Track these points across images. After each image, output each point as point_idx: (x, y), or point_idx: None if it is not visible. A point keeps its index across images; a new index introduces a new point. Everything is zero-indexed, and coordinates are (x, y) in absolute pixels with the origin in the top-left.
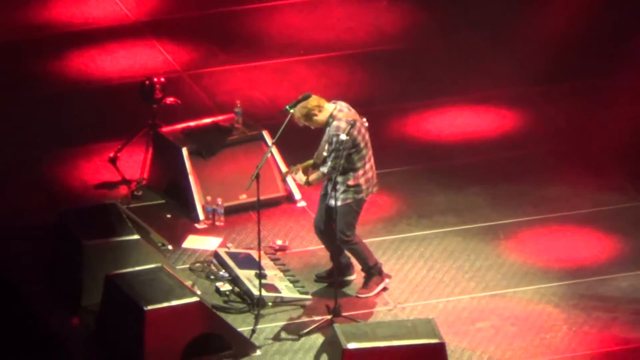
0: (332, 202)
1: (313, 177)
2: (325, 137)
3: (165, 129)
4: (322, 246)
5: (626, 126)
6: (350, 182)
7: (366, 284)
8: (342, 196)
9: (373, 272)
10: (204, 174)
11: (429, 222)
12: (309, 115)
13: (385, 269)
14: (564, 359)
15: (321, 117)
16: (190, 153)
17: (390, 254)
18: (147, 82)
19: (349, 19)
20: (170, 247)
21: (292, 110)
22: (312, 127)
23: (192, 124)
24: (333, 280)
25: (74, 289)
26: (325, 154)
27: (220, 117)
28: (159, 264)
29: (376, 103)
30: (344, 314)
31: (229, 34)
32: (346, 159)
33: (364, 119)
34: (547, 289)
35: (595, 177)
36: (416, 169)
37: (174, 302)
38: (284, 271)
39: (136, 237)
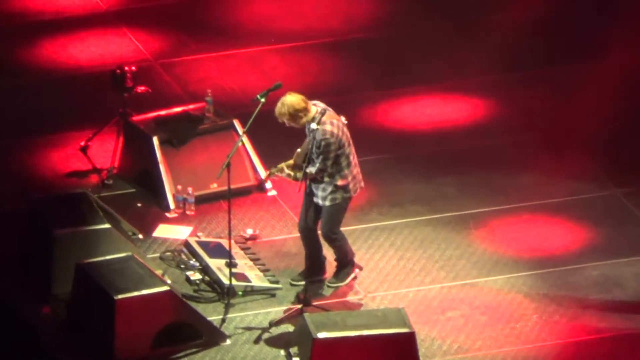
0: (321, 202)
1: (300, 174)
2: (307, 140)
3: (136, 118)
4: (293, 235)
5: (599, 113)
6: (339, 183)
7: (337, 274)
8: (330, 197)
9: (346, 264)
10: (175, 163)
11: (400, 211)
12: (295, 117)
13: (356, 259)
14: (534, 348)
15: (306, 119)
16: (161, 142)
17: (361, 243)
18: (118, 70)
19: (320, 7)
20: (140, 236)
21: (262, 99)
22: (295, 126)
23: (163, 112)
24: (310, 281)
25: (45, 277)
26: (314, 156)
27: (191, 106)
28: (129, 253)
29: (347, 92)
30: (314, 303)
31: (200, 23)
32: (334, 160)
33: (343, 118)
34: (518, 279)
35: (567, 166)
36: (387, 158)
37: (144, 291)
38: (254, 260)
39: (107, 226)
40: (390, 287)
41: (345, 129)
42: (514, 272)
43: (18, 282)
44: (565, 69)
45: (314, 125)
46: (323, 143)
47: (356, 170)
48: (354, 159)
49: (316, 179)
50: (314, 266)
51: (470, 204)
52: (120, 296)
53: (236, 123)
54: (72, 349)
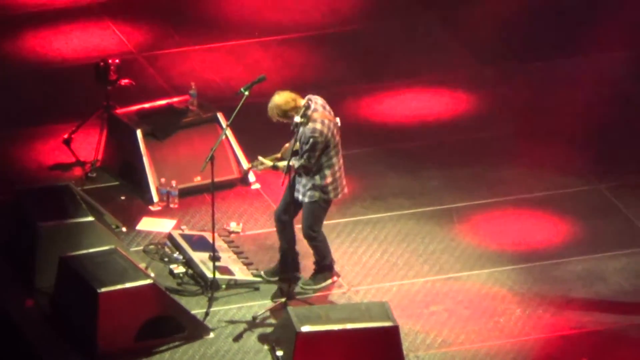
0: (300, 197)
1: (282, 164)
2: (297, 136)
3: (120, 111)
4: (275, 229)
5: (584, 108)
6: (317, 182)
7: (314, 277)
8: (309, 193)
9: (323, 268)
10: (159, 156)
11: (383, 204)
12: (286, 114)
13: (339, 252)
14: (517, 342)
15: (297, 115)
16: (144, 135)
17: (345, 236)
18: (102, 63)
19: (304, 0)
20: (124, 229)
21: (246, 93)
22: (285, 122)
23: (146, 105)
24: (283, 277)
25: (28, 270)
26: (300, 151)
27: (175, 99)
28: (112, 246)
29: (331, 85)
30: (298, 296)
31: (184, 16)
32: (317, 159)
33: (337, 119)
34: (501, 273)
35: (551, 160)
36: (371, 151)
37: (128, 285)
38: (238, 253)
39: (90, 218)
40: (374, 281)
41: (336, 132)
42: (498, 266)
43: (1, 273)
44: (549, 63)
45: (297, 119)
46: (311, 140)
47: (339, 174)
48: (338, 162)
49: (299, 173)
50: (285, 261)
51: (454, 198)
52: (103, 289)
53: (220, 116)
54: (55, 342)
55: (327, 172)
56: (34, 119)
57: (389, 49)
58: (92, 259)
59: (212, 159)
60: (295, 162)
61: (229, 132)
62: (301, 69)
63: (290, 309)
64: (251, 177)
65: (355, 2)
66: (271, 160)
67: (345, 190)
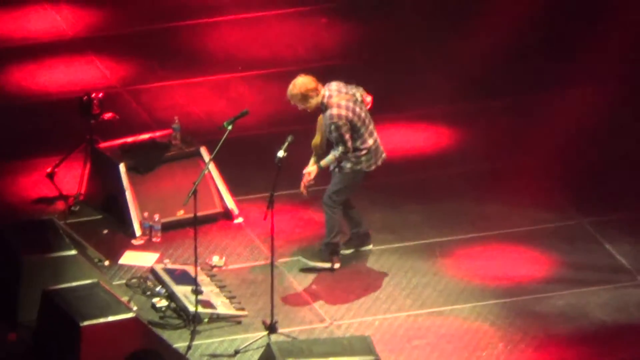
0: (334, 169)
1: (325, 161)
2: (322, 127)
3: (103, 145)
4: (259, 262)
5: (563, 143)
6: (350, 154)
7: (318, 253)
8: (342, 164)
9: (328, 244)
10: (141, 190)
11: None
12: (306, 97)
13: (322, 286)
14: None
15: (315, 100)
16: (127, 169)
17: (327, 271)
18: (85, 97)
19: (288, 35)
20: (107, 262)
21: (229, 127)
22: (305, 109)
23: (129, 139)
24: (353, 246)
25: (11, 304)
26: (332, 142)
27: (158, 133)
28: (95, 280)
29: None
30: (280, 330)
31: (167, 50)
32: (350, 140)
33: (357, 94)
34: (484, 307)
35: (532, 195)
36: None
37: (110, 318)
38: (221, 287)
39: (73, 252)
40: (357, 315)
41: (358, 109)
42: (480, 300)
43: None
44: (531, 99)
45: (323, 115)
46: (333, 127)
47: (374, 146)
48: (371, 135)
49: (346, 157)
50: (355, 235)
51: (437, 233)
52: (85, 323)
53: (203, 150)
54: None
55: (360, 145)
56: (17, 152)
57: (371, 84)
58: (75, 293)
59: (195, 193)
60: (335, 152)
61: (212, 166)
62: (284, 104)
63: (272, 342)
64: (234, 210)
65: (338, 37)
66: (314, 165)
67: (380, 162)
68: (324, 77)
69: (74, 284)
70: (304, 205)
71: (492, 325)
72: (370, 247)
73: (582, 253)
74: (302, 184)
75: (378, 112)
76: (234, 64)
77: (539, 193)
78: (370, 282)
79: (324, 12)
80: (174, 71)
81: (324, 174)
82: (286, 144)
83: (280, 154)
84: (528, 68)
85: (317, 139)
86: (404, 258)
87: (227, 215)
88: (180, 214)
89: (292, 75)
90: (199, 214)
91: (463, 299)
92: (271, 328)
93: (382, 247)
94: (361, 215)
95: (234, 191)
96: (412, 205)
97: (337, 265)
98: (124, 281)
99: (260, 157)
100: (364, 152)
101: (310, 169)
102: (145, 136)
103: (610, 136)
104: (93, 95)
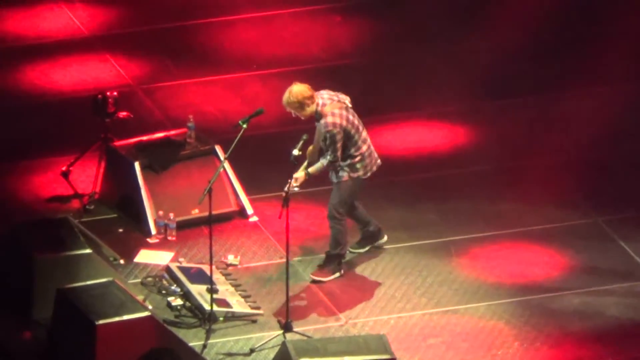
0: (334, 179)
1: (313, 169)
2: (316, 135)
3: (118, 143)
4: (274, 261)
5: (579, 141)
6: (346, 162)
7: (322, 268)
8: (339, 173)
9: (333, 259)
10: (157, 189)
11: None
12: (302, 105)
13: (337, 284)
14: None
15: (310, 109)
16: (142, 167)
17: (342, 269)
18: (100, 96)
19: (302, 34)
20: (122, 261)
21: (244, 125)
22: (300, 117)
23: (144, 138)
24: (368, 244)
25: (26, 302)
26: (324, 149)
27: (172, 132)
28: (110, 279)
29: None
30: (296, 329)
31: (182, 49)
32: (343, 148)
33: (347, 100)
34: (499, 306)
35: (548, 194)
36: (368, 184)
37: (125, 317)
38: (236, 286)
39: (88, 251)
40: (372, 314)
41: (352, 117)
42: (496, 299)
43: None
44: (547, 97)
45: (317, 123)
46: (327, 135)
47: (368, 152)
48: (365, 142)
49: (333, 166)
50: (367, 233)
51: (452, 231)
52: (101, 321)
53: (218, 149)
54: None
55: (354, 152)
56: (32, 152)
57: (386, 83)
58: (90, 292)
59: (210, 191)
60: (324, 161)
61: (227, 165)
62: None
63: (288, 341)
64: (249, 209)
65: (353, 36)
66: (303, 171)
67: (375, 167)
68: (339, 76)
69: (89, 282)
70: (318, 204)
71: (507, 323)
72: (385, 239)
73: (597, 251)
74: (287, 187)
75: (394, 110)
76: (249, 62)
77: (554, 191)
78: (385, 281)
79: (338, 10)
80: (188, 70)
81: (320, 178)
82: (301, 142)
83: (295, 152)
84: (544, 67)
85: (313, 146)
86: (419, 256)
87: (242, 213)
88: (195, 212)
89: (307, 74)
90: (214, 212)
91: (478, 297)
92: (286, 327)
93: (397, 245)
94: (367, 212)
95: (248, 190)
96: (427, 204)
97: (342, 272)
98: (139, 280)
99: (275, 155)
100: (357, 158)
101: (298, 175)
102: (160, 135)
103: (626, 135)
104: (108, 93)
